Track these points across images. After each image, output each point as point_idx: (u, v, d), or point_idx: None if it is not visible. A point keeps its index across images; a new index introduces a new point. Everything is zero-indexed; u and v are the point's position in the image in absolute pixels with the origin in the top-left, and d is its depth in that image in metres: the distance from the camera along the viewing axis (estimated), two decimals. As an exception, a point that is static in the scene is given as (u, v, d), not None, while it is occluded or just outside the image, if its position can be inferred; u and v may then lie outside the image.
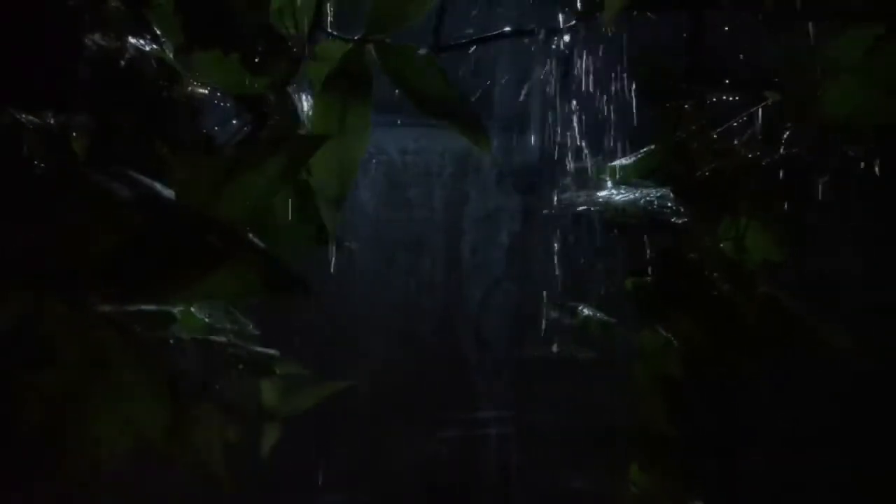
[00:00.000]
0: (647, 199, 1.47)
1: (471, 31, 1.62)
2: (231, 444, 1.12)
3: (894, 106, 1.37)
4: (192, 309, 1.25)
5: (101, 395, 0.98)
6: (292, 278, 0.97)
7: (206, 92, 1.31)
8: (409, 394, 4.74)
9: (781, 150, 1.49)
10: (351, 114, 1.21)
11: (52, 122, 1.06)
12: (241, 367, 1.15)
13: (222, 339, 1.07)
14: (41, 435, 1.02)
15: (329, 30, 1.31)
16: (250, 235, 0.96)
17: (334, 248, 1.35)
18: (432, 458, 4.80)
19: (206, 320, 1.31)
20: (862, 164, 1.47)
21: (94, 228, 0.94)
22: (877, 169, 1.46)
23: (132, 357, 0.96)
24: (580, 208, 1.50)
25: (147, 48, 1.25)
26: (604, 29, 1.37)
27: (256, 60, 1.24)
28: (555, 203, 1.55)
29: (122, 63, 1.19)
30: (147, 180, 0.96)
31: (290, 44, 1.28)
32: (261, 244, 0.95)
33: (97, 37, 1.16)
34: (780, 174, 1.49)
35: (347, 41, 1.25)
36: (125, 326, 0.97)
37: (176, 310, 1.03)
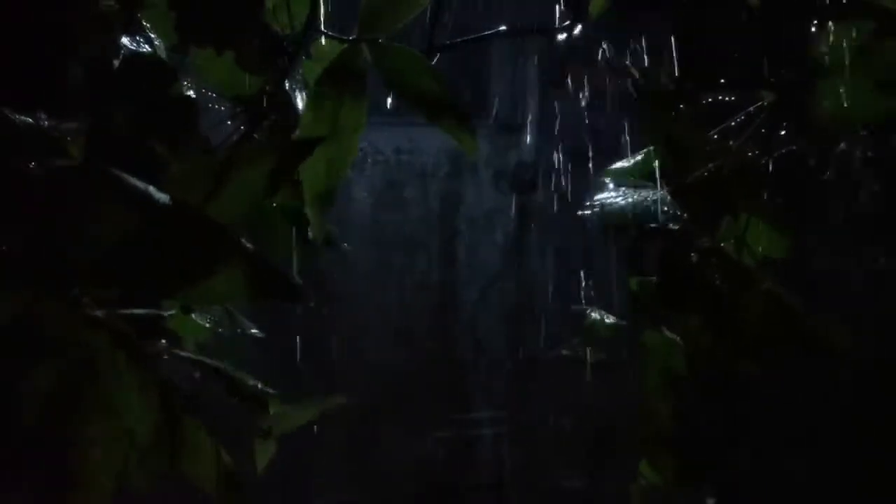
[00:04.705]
0: (646, 201, 1.47)
1: (468, 31, 1.61)
2: (224, 459, 1.11)
3: (887, 102, 1.37)
4: (193, 315, 1.24)
5: (92, 398, 0.97)
6: (284, 282, 0.96)
7: (201, 92, 1.30)
8: (404, 394, 4.73)
9: (780, 151, 1.49)
10: (344, 113, 1.20)
11: (46, 123, 1.05)
12: (236, 400, 1.14)
13: (219, 364, 1.06)
14: (35, 437, 1.01)
15: (323, 29, 1.30)
16: (242, 238, 0.95)
17: (326, 248, 1.34)
18: (427, 458, 4.79)
19: (208, 325, 1.30)
20: (858, 160, 1.47)
21: (89, 230, 0.93)
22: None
23: (123, 361, 0.95)
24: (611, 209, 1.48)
25: (142, 49, 1.24)
26: (590, 25, 1.37)
27: (251, 59, 1.23)
28: (589, 204, 1.53)
29: (117, 64, 1.18)
30: (141, 183, 0.95)
31: (284, 43, 1.27)
32: (251, 247, 0.94)
33: (92, 37, 1.15)
34: (779, 172, 1.48)
35: (342, 41, 1.24)
36: (118, 330, 0.96)
37: (167, 314, 1.02)
